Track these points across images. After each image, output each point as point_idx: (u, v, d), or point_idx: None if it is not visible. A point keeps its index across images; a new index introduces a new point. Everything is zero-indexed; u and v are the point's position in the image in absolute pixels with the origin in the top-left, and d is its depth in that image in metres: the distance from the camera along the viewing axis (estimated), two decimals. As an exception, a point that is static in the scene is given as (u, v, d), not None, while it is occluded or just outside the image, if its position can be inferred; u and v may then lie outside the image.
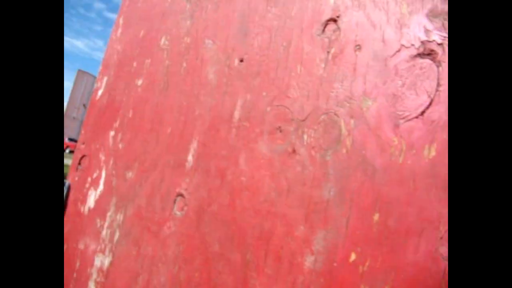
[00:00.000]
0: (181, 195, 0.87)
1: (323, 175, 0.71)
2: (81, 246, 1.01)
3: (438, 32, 0.66)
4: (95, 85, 1.17)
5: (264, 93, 0.81)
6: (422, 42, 0.67)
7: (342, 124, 0.71)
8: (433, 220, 0.60)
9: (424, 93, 0.65)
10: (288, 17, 0.83)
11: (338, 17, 0.77)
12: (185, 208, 0.85)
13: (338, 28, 0.76)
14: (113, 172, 1.01)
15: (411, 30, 0.69)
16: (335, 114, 0.72)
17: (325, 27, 0.78)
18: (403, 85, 0.67)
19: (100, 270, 0.96)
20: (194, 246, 0.81)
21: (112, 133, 1.06)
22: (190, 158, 0.87)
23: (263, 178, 0.77)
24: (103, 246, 0.97)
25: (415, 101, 0.66)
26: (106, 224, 0.98)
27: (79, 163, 1.12)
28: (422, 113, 0.64)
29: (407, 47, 0.68)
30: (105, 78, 1.15)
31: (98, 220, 1.00)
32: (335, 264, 0.66)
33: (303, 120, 0.75)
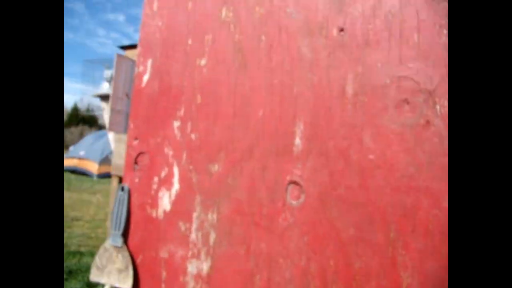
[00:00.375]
0: (294, 182, 0.80)
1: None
2: (163, 254, 0.90)
3: None
4: (136, 70, 1.00)
5: (378, 65, 0.76)
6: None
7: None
8: None
9: None
10: (393, -21, 0.77)
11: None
12: (302, 195, 0.79)
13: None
14: (190, 167, 0.90)
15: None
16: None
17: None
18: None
19: (198, 277, 0.87)
20: (323, 234, 0.77)
21: (176, 123, 0.93)
22: (297, 141, 0.80)
23: (397, 154, 0.73)
24: (195, 251, 0.87)
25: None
26: (194, 227, 0.88)
27: (136, 162, 0.97)
28: None
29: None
30: (150, 61, 0.98)
31: (181, 223, 0.90)
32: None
33: (433, 90, 0.72)
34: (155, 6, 1.00)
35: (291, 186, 0.80)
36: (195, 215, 0.88)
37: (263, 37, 0.86)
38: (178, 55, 0.95)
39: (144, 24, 1.01)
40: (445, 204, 0.70)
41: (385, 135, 0.74)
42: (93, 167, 11.24)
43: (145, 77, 0.98)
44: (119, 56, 0.99)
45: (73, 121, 24.16)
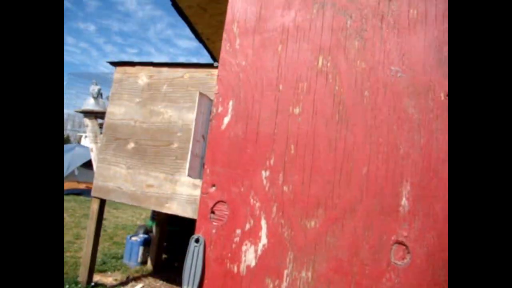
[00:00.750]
0: (399, 242, 0.80)
1: None
2: (248, 313, 0.84)
3: None
4: (215, 110, 0.93)
5: (485, 132, 0.80)
6: None
7: None
8: None
9: None
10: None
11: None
12: (408, 256, 0.79)
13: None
14: (281, 221, 0.85)
15: None
16: None
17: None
18: None
19: (289, 338, 0.82)
20: (431, 296, 0.77)
21: (265, 173, 0.88)
22: (404, 202, 0.80)
23: (505, 220, 0.77)
24: (287, 309, 0.83)
25: None
26: (284, 284, 0.84)
27: (212, 211, 0.90)
28: None
29: None
30: (231, 102, 0.93)
31: (268, 281, 0.84)
32: None
33: (537, 161, 0.77)
34: (237, 43, 0.95)
35: (396, 246, 0.80)
36: (286, 272, 0.84)
37: (366, 93, 0.85)
38: (267, 101, 0.90)
39: (225, 62, 0.95)
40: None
41: (494, 201, 0.77)
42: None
43: (226, 119, 0.92)
44: (201, 94, 0.91)
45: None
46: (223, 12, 2.23)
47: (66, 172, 10.49)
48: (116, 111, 4.30)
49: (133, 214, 9.76)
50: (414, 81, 0.83)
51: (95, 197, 4.24)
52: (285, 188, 0.86)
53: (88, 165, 10.58)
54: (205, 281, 0.87)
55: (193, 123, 0.83)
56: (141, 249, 5.39)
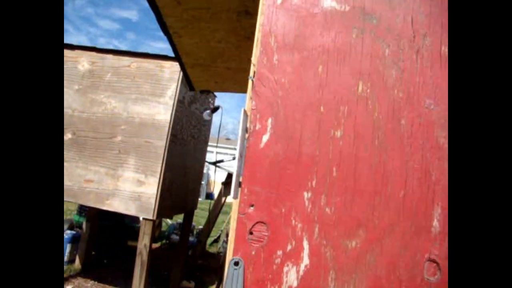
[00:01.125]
0: (431, 260, 0.87)
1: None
2: (289, 335, 0.84)
3: None
4: (251, 127, 0.90)
5: (499, 161, 0.91)
6: None
7: None
8: None
9: None
10: None
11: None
12: (438, 272, 0.87)
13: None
14: (323, 242, 0.87)
15: None
16: None
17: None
18: None
19: None
20: (456, 308, 0.86)
21: (307, 194, 0.88)
22: (435, 223, 0.88)
23: (514, 239, 0.89)
24: (327, 328, 0.85)
25: None
26: (325, 303, 0.86)
27: (251, 232, 0.87)
28: None
29: None
30: (270, 120, 0.90)
31: (310, 300, 0.86)
32: None
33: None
34: (275, 58, 0.93)
35: (427, 264, 0.88)
36: (327, 292, 0.86)
37: (403, 121, 0.91)
38: (308, 121, 0.90)
39: (262, 76, 0.92)
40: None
41: None
42: None
43: (265, 138, 0.90)
44: (246, 111, 0.85)
45: None
46: (198, 7, 2.13)
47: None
48: (50, 99, 3.84)
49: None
50: (445, 114, 0.91)
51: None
52: (327, 209, 0.88)
53: None
54: (244, 305, 0.85)
55: (238, 141, 0.79)
56: (68, 246, 4.91)
